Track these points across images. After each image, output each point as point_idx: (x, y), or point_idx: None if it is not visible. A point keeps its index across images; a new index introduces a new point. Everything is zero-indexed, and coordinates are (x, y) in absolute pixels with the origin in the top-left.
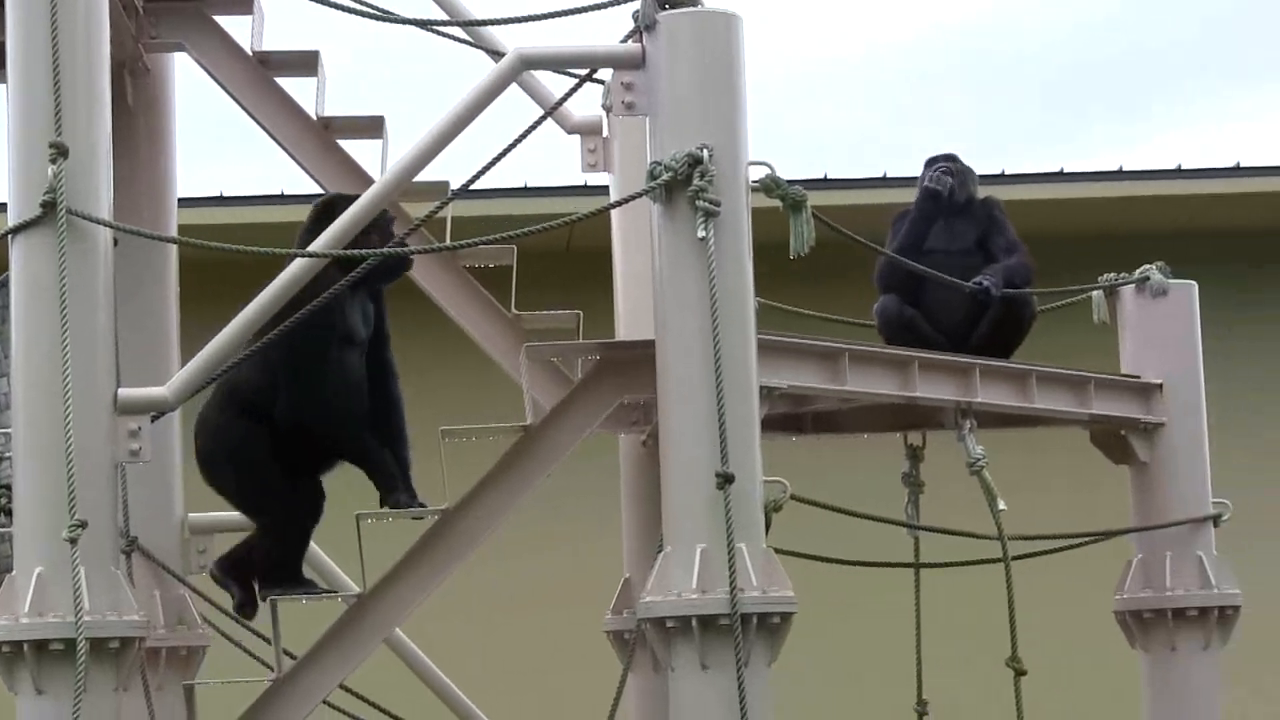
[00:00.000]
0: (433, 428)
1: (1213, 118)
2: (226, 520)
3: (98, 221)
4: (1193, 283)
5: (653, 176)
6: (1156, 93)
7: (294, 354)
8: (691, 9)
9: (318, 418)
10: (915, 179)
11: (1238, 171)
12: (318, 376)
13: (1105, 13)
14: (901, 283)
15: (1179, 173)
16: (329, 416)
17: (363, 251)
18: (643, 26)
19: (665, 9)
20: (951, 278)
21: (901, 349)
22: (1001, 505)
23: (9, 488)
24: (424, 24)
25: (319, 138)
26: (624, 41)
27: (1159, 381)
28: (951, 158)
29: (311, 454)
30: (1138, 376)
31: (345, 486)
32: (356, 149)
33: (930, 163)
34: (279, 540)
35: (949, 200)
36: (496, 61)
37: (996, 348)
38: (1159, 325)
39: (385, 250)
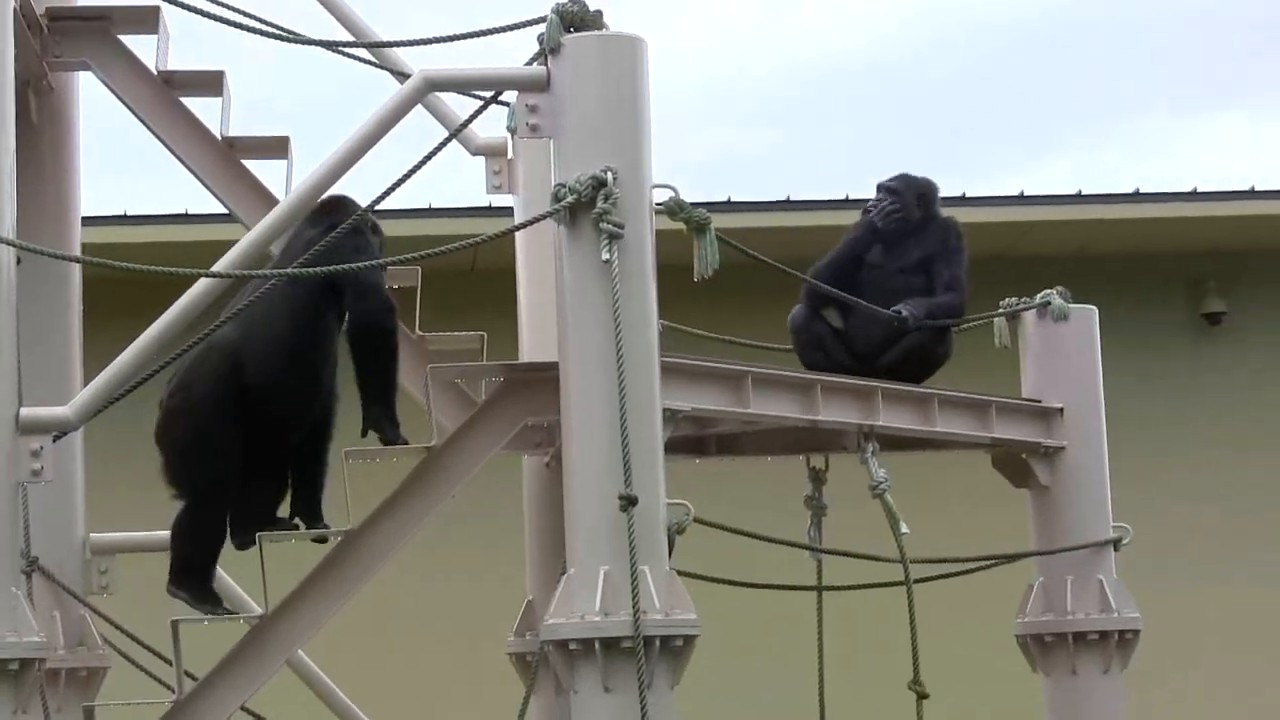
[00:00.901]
0: (336, 449)
1: (1116, 146)
2: (129, 540)
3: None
4: (1093, 308)
5: (557, 199)
6: (1060, 121)
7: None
8: (596, 33)
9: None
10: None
11: (1138, 197)
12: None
13: (1011, 41)
14: (822, 296)
15: (1080, 198)
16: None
17: (265, 272)
18: (548, 49)
19: (570, 32)
20: (870, 305)
21: (804, 372)
22: (904, 528)
23: None
24: (330, 45)
25: (224, 157)
26: (529, 64)
27: (1060, 406)
28: (900, 180)
29: (270, 448)
30: (1039, 401)
31: None
32: (262, 169)
33: (880, 187)
34: (198, 529)
35: (891, 232)
36: (402, 83)
37: (905, 376)
38: (1060, 350)
39: (289, 270)
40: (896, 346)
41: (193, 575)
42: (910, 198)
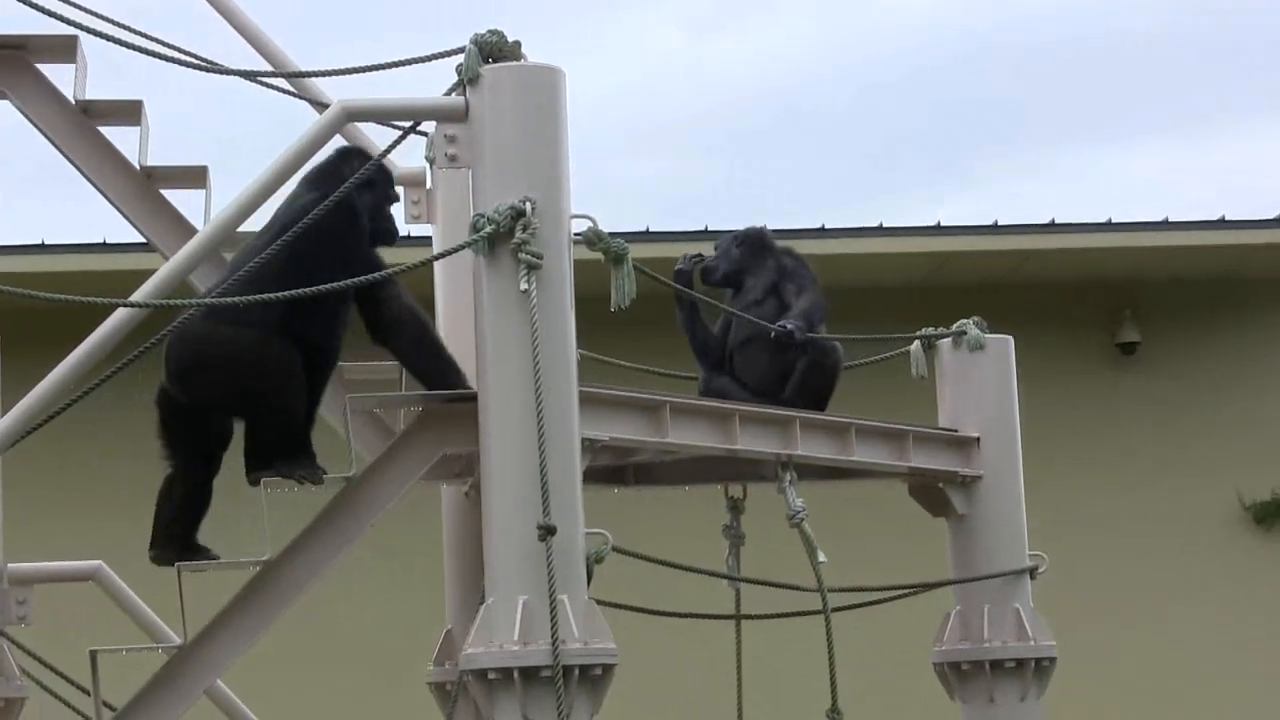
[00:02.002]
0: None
1: (1035, 176)
2: (46, 571)
3: None
4: (1008, 337)
5: (475, 229)
6: (975, 150)
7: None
8: (515, 63)
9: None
10: (736, 232)
11: (1053, 228)
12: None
13: (926, 72)
14: (705, 354)
15: (995, 229)
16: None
17: (195, 301)
18: (466, 80)
19: (489, 63)
20: (756, 320)
21: (724, 402)
22: (821, 557)
23: None
24: (249, 75)
25: (142, 187)
26: (448, 94)
27: (976, 435)
28: (716, 246)
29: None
30: (955, 430)
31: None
32: (181, 199)
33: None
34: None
35: (722, 278)
36: (321, 113)
37: (809, 398)
38: (976, 379)
39: (205, 300)
40: (791, 379)
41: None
42: (723, 245)
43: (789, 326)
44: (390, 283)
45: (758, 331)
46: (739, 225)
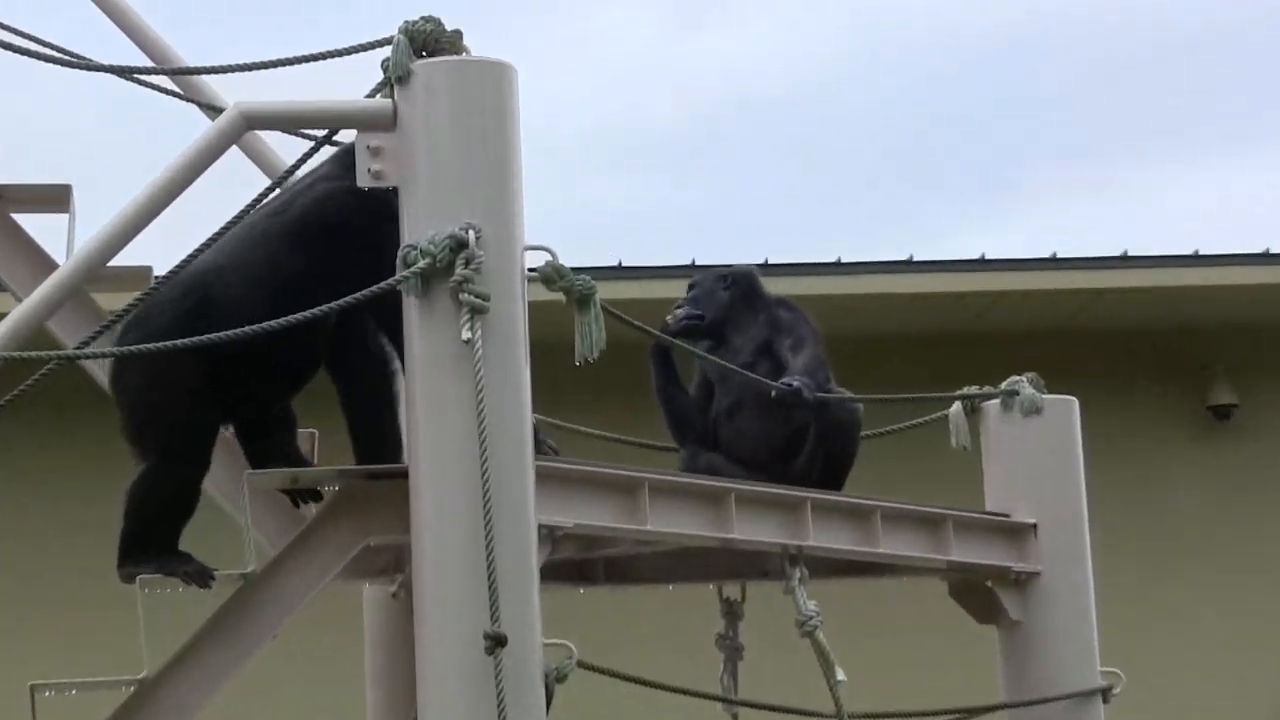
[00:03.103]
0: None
1: (1100, 198)
2: None
3: None
4: (1072, 399)
5: (405, 263)
6: (1026, 166)
7: None
8: (454, 58)
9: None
10: (730, 267)
11: (1126, 262)
12: None
13: (962, 68)
14: (687, 426)
15: (1054, 262)
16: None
17: (38, 354)
18: (394, 78)
19: (422, 57)
20: (759, 378)
21: (716, 479)
22: (840, 675)
23: None
24: (123, 72)
25: None
26: (371, 96)
27: (1032, 521)
28: (691, 287)
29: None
30: (1006, 515)
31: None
32: (37, 225)
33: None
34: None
35: (700, 330)
36: (214, 119)
37: (823, 475)
38: (1031, 450)
39: (61, 353)
40: (804, 449)
41: (150, 545)
42: (710, 283)
43: (795, 384)
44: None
45: (750, 396)
46: (731, 259)
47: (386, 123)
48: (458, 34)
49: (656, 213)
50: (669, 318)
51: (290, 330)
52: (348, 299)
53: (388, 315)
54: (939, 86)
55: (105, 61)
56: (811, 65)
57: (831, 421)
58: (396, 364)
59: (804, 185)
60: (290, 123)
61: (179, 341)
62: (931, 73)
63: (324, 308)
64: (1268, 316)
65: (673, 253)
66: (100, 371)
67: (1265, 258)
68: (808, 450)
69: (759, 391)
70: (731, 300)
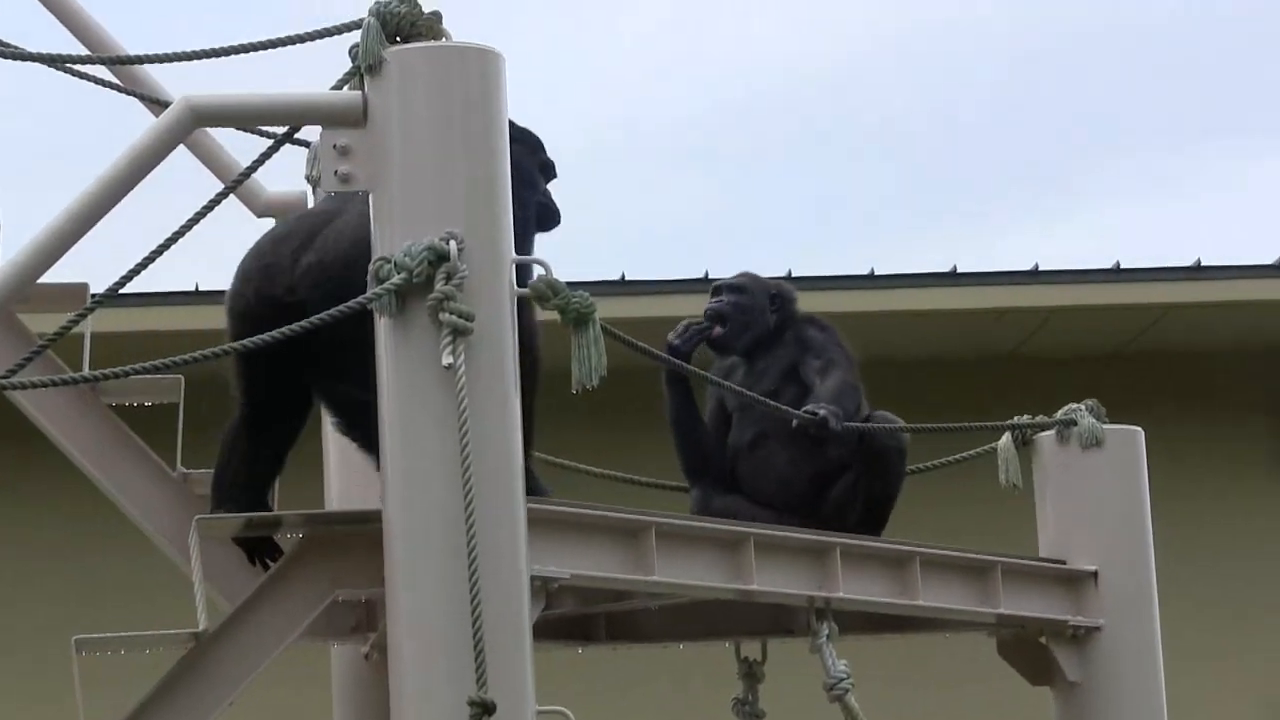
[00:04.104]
0: (64, 633)
1: (1167, 197)
2: None
3: None
4: (1137, 429)
5: (378, 278)
6: (1082, 162)
7: None
8: (431, 44)
9: None
10: (777, 280)
11: (1199, 272)
12: None
13: (1009, 56)
14: (701, 462)
15: (1117, 274)
16: None
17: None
18: (363, 67)
19: (395, 43)
20: (779, 406)
21: (732, 523)
22: None
23: None
24: (54, 60)
25: None
26: (338, 88)
27: (1092, 569)
28: (742, 277)
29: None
30: (1063, 562)
31: None
32: None
33: (714, 289)
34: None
35: (732, 335)
36: (159, 114)
37: (863, 519)
38: (1091, 489)
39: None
40: (833, 490)
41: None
42: (762, 299)
43: (820, 413)
44: None
45: (774, 426)
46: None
47: (355, 118)
48: (436, 16)
49: (664, 221)
50: (674, 332)
51: None
52: (308, 321)
53: None
54: (978, 73)
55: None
56: (837, 55)
57: (870, 452)
58: None
59: (831, 189)
60: (245, 118)
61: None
62: (971, 60)
63: (300, 324)
64: None
65: (683, 265)
66: (28, 403)
67: None
68: (843, 488)
69: (785, 420)
70: (777, 323)
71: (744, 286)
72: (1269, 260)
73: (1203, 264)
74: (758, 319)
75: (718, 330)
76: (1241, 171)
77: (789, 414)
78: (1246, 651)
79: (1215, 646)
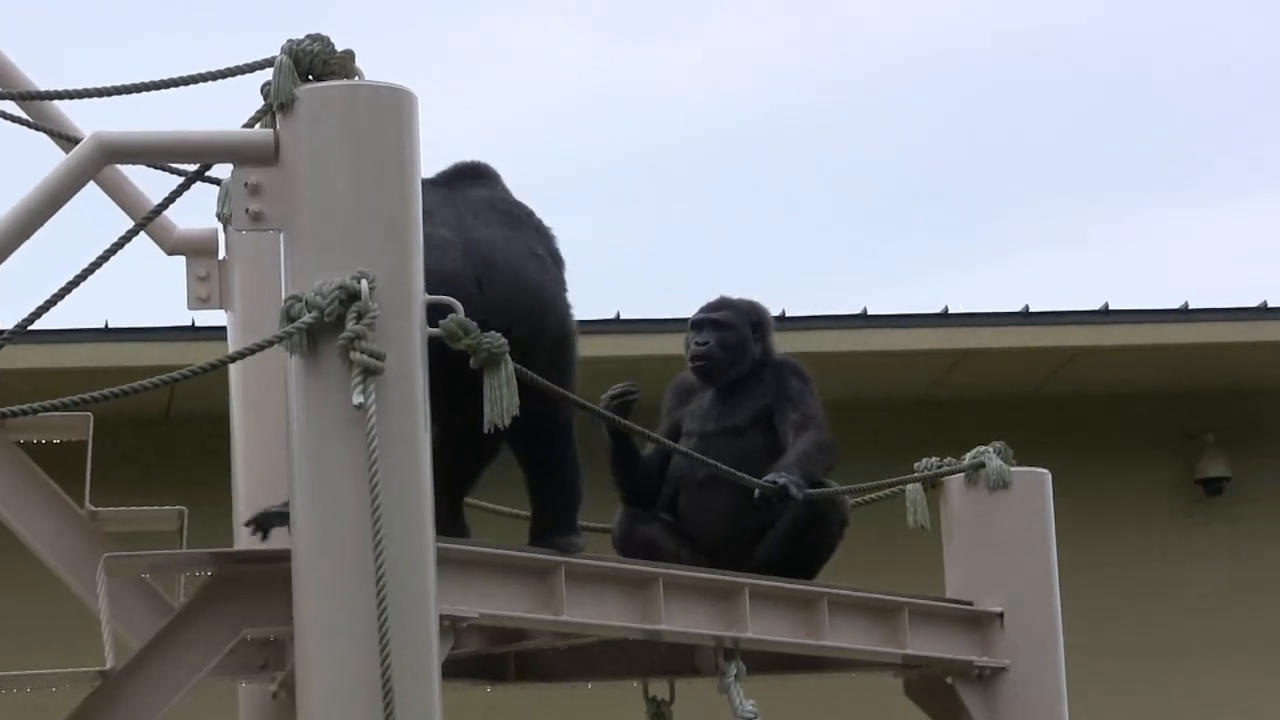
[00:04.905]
0: None
1: (1078, 242)
2: None
3: None
4: (1044, 471)
5: (289, 317)
6: (995, 208)
7: None
8: (344, 82)
9: None
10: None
11: (1107, 316)
12: None
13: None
14: (634, 487)
15: (1026, 317)
16: None
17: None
18: (275, 105)
19: (308, 81)
20: (733, 471)
21: (641, 563)
22: None
23: None
24: None
25: None
26: (250, 125)
27: (999, 610)
28: (722, 307)
29: None
30: (969, 603)
31: None
32: None
33: (696, 324)
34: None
35: (719, 375)
36: (69, 150)
37: (795, 569)
38: (998, 530)
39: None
40: (770, 534)
41: None
42: (745, 329)
43: (781, 481)
44: None
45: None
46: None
47: (267, 155)
48: (349, 55)
49: (579, 257)
50: (692, 353)
51: None
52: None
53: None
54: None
55: None
56: (757, 94)
57: (818, 512)
58: None
59: (739, 231)
60: (156, 154)
61: None
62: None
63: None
64: (1264, 379)
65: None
66: None
67: (1261, 312)
68: (777, 537)
69: (739, 457)
70: (759, 353)
71: (728, 323)
72: (1175, 304)
73: (1110, 307)
74: (745, 352)
75: (634, 393)
76: (1148, 218)
77: (750, 483)
78: (1151, 692)
79: (1122, 681)
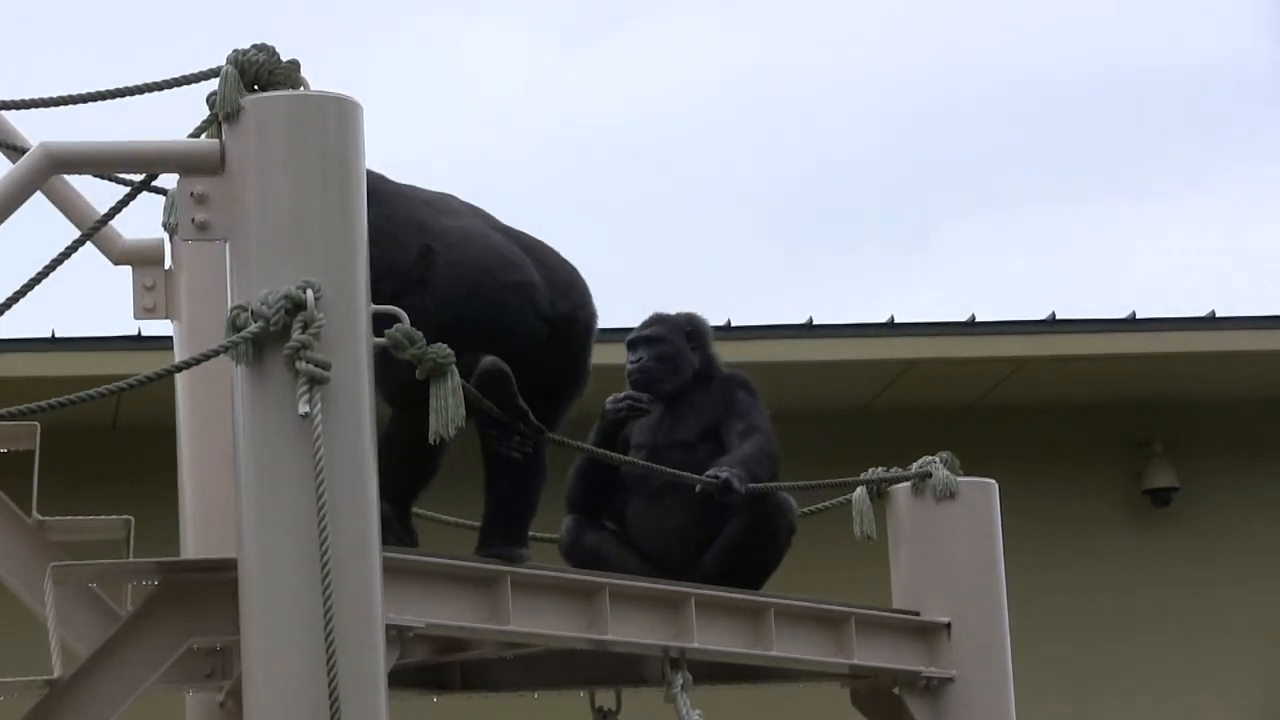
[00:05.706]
0: None
1: (1021, 250)
2: None
3: None
4: (991, 481)
5: (234, 327)
6: (939, 217)
7: None
8: (289, 92)
9: None
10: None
11: (1053, 326)
12: None
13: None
14: (589, 495)
15: (972, 327)
16: None
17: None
18: (222, 115)
19: (254, 91)
20: (677, 472)
21: (588, 573)
22: None
23: None
24: None
25: None
26: (196, 135)
27: (945, 620)
28: (655, 323)
29: None
30: (916, 613)
31: None
32: None
33: (630, 343)
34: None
35: (658, 388)
36: (15, 161)
37: (742, 576)
38: (945, 540)
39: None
40: (717, 543)
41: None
42: (680, 340)
43: (723, 476)
44: None
45: (681, 484)
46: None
47: (213, 165)
48: (294, 65)
49: None
50: (630, 374)
51: None
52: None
53: None
54: (836, 126)
55: None
56: (684, 105)
57: (763, 517)
58: None
59: (684, 241)
60: (103, 165)
61: None
62: (828, 113)
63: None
64: (1213, 389)
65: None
66: None
67: (1210, 321)
68: (722, 545)
69: (694, 473)
70: (701, 362)
71: (661, 337)
72: (1123, 314)
73: (1057, 317)
74: (682, 364)
75: (642, 401)
76: (1095, 228)
77: (690, 480)
78: (1096, 700)
79: (1069, 692)
